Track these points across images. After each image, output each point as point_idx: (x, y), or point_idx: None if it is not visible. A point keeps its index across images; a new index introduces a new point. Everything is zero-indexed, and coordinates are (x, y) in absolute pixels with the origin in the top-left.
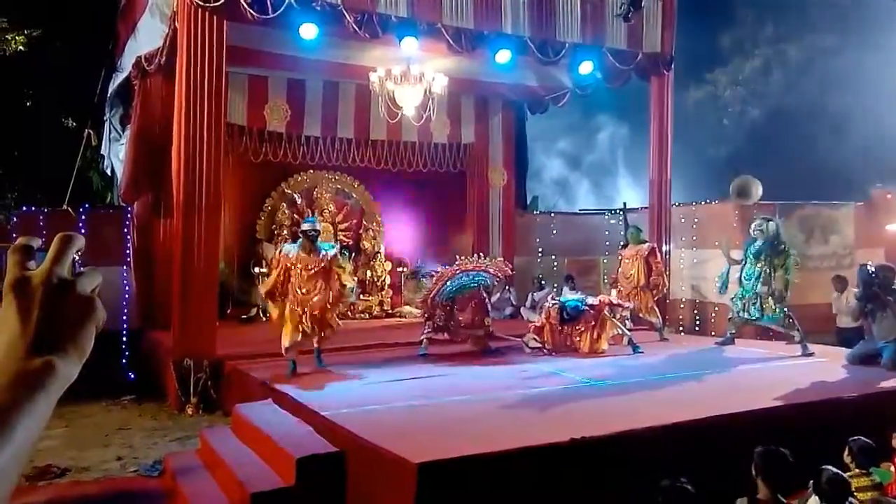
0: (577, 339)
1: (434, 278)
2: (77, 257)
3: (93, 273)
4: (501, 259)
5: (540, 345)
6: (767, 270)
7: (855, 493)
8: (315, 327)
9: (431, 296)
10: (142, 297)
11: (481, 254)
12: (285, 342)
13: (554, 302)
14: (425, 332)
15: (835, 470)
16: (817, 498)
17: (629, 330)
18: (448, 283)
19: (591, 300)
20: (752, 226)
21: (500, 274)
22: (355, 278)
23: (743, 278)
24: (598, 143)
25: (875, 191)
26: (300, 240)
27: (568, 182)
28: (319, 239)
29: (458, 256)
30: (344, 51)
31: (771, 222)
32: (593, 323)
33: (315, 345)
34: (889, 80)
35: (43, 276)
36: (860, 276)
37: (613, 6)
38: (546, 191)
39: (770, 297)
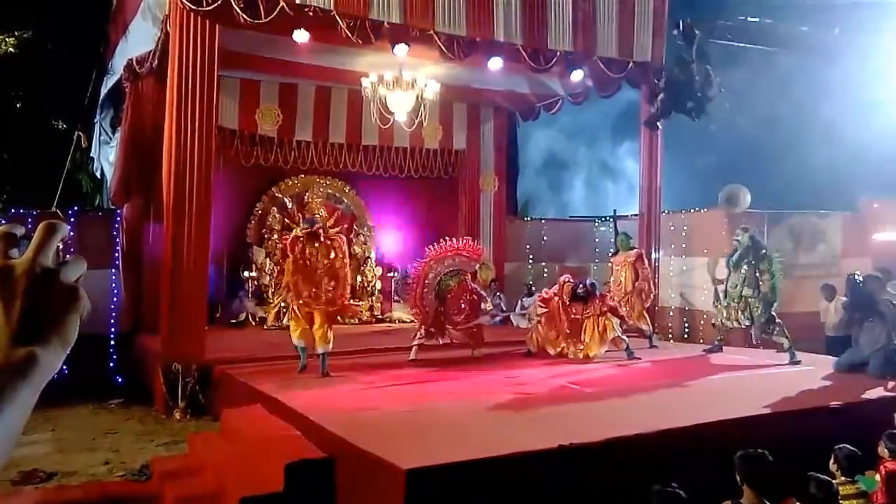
0: (581, 323)
1: (411, 279)
2: (61, 246)
3: (77, 261)
4: (468, 238)
5: (546, 310)
6: (752, 274)
7: (841, 502)
8: None
9: (418, 296)
10: (130, 300)
11: (447, 237)
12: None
13: (568, 279)
14: (416, 338)
15: (822, 476)
16: None
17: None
18: (429, 279)
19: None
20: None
21: (474, 255)
22: None
23: (728, 287)
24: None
25: (862, 200)
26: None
27: (565, 164)
28: None
29: (426, 247)
30: (336, 56)
31: (745, 234)
32: (600, 312)
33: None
34: (877, 88)
35: (26, 266)
36: (848, 285)
37: (604, 15)
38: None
39: (758, 302)
